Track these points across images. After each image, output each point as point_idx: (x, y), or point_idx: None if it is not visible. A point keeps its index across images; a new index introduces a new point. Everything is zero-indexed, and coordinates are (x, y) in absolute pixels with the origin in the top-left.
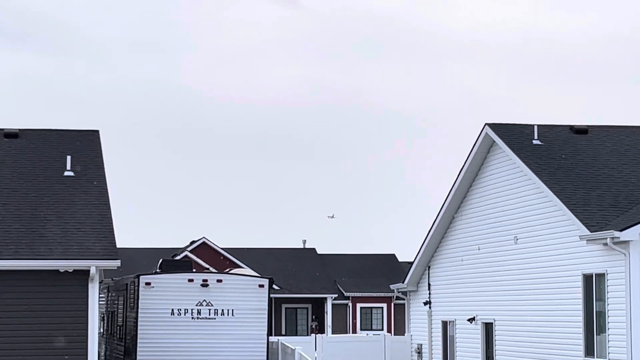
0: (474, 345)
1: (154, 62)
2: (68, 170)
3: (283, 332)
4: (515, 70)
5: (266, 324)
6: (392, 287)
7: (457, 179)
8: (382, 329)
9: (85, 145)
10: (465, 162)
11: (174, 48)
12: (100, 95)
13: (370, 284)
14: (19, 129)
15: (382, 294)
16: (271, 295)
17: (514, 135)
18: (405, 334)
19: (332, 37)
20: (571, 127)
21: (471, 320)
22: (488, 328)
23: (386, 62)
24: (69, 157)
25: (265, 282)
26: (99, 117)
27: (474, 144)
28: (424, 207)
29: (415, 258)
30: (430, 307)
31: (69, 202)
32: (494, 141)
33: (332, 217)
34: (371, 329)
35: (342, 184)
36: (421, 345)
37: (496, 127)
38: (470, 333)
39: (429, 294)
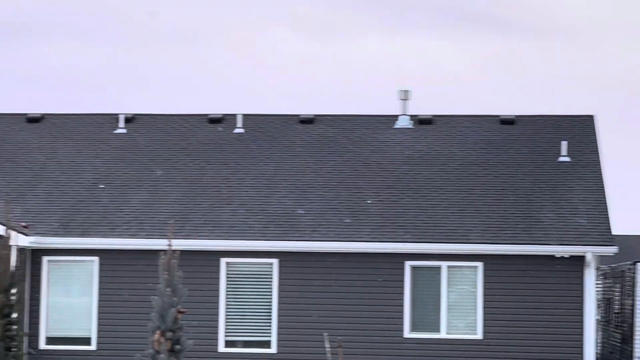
0: None
1: None
2: (563, 156)
3: None
4: None
5: None
6: None
7: None
8: None
9: (580, 130)
10: None
11: None
12: (593, 80)
13: None
14: (515, 115)
15: None
16: None
17: None
18: None
19: None
20: None
21: None
22: None
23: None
24: (564, 143)
25: None
26: (594, 101)
27: None
28: None
29: None
30: None
31: (563, 187)
32: None
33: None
34: None
35: None
36: None
37: None
38: None
39: None
